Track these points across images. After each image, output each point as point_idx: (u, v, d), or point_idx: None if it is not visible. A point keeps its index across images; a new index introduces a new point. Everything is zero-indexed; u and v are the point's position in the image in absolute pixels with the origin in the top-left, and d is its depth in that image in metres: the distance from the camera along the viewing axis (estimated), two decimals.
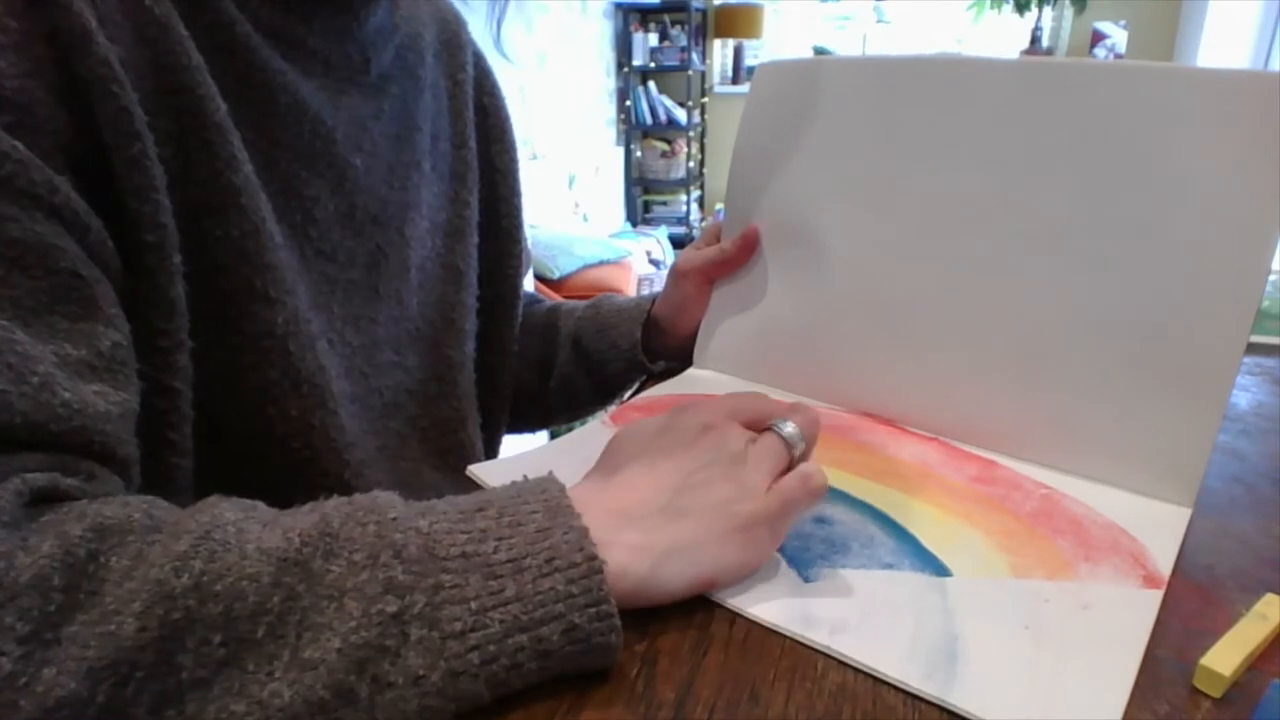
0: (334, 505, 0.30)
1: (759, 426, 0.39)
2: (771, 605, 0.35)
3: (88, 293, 0.33)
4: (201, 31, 0.40)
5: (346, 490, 0.32)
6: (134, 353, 0.35)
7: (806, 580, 0.37)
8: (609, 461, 0.38)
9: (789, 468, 0.38)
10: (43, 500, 0.28)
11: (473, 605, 0.28)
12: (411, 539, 0.29)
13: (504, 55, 0.58)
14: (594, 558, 0.30)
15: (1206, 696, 0.30)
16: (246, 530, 0.29)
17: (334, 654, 0.26)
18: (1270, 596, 0.35)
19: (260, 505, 0.31)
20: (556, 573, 0.30)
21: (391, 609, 0.27)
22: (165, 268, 0.38)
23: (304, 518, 0.30)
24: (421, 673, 0.27)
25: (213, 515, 0.29)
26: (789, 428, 0.39)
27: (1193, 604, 0.36)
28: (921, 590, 0.36)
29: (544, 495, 0.32)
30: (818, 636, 0.33)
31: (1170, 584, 0.37)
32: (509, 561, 0.30)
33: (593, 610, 0.29)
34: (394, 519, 0.30)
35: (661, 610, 0.34)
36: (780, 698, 0.30)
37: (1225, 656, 0.31)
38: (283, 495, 0.32)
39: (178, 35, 0.38)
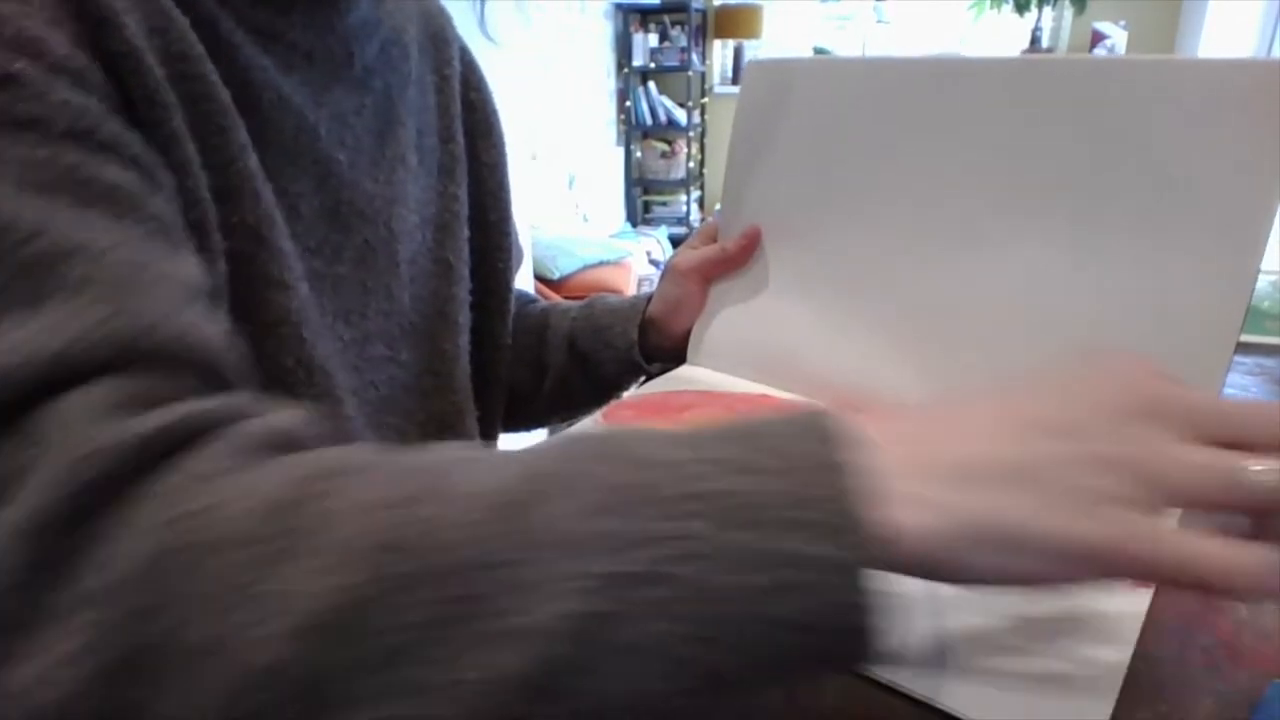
0: (555, 443, 0.26)
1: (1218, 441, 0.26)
2: None
3: (178, 237, 0.34)
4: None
5: None
6: None
7: None
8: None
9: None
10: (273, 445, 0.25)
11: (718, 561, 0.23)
12: (663, 478, 0.24)
13: (489, 38, 0.57)
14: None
15: (1207, 696, 0.30)
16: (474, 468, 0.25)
17: (559, 619, 0.22)
18: None
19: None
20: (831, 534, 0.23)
21: (636, 565, 0.22)
22: (209, 246, 0.37)
23: (517, 461, 0.25)
24: (659, 635, 0.22)
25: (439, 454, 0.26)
26: (1266, 475, 0.25)
27: (1193, 604, 0.36)
28: (911, 588, 0.36)
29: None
30: None
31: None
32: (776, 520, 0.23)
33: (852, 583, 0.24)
34: (643, 456, 0.25)
35: None
36: (780, 697, 0.30)
37: None
38: None
39: (181, 26, 0.38)
